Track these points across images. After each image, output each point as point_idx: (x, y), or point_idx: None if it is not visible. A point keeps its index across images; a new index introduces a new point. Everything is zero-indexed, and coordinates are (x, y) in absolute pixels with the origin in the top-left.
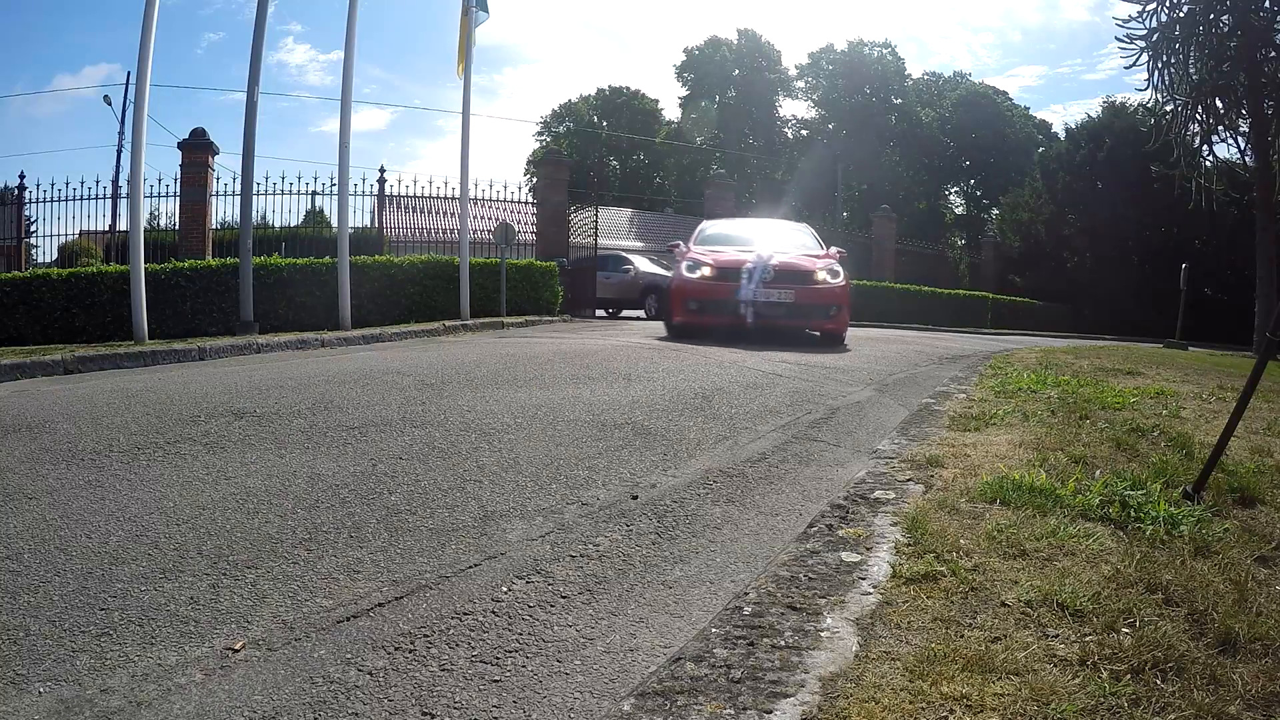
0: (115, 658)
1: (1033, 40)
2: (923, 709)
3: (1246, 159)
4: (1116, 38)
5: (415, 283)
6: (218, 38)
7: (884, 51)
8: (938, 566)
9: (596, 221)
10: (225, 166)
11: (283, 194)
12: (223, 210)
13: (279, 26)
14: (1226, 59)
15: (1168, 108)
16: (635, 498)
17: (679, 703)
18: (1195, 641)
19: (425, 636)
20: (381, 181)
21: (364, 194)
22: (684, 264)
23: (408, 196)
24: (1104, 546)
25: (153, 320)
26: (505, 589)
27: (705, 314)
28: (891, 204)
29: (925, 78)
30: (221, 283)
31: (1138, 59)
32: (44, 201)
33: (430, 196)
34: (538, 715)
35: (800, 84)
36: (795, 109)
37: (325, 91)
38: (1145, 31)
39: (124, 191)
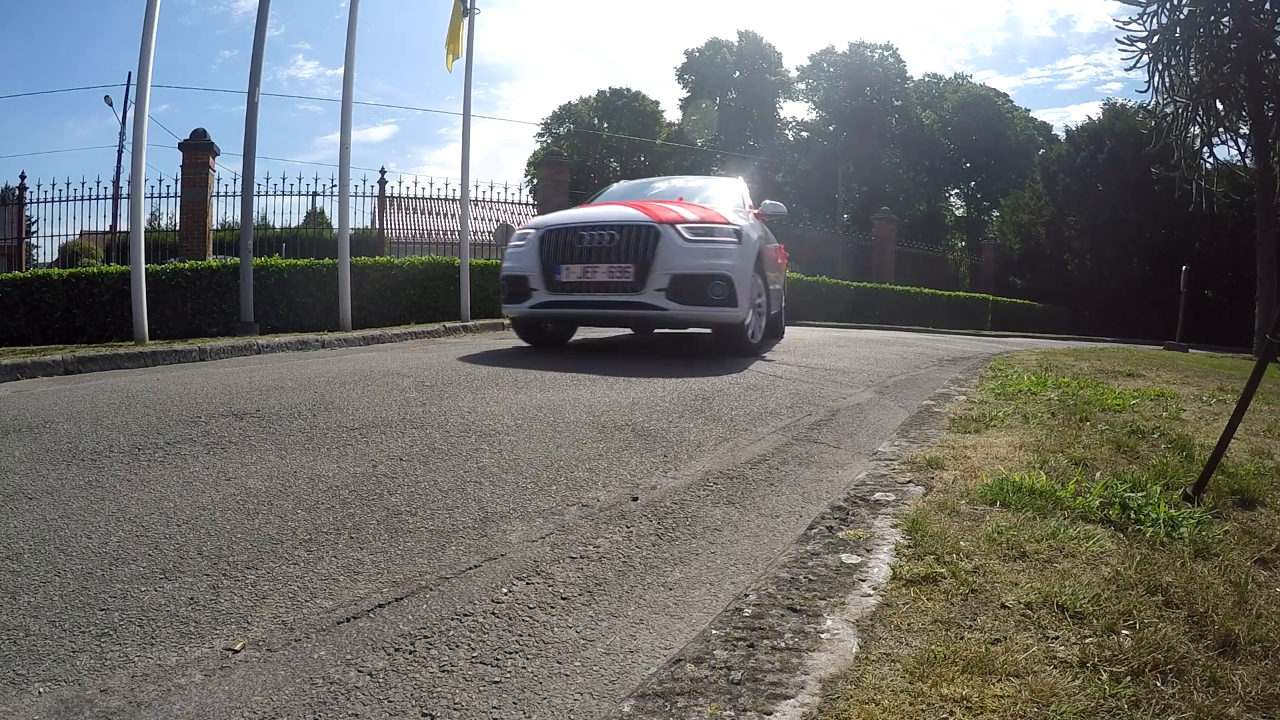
0: (115, 658)
1: (1032, 42)
2: (923, 710)
3: (1247, 161)
4: (1117, 40)
5: (415, 284)
6: (233, 54)
7: (885, 54)
8: (938, 568)
9: None
10: (226, 168)
11: (283, 195)
12: (223, 211)
13: (289, 45)
14: (1227, 61)
15: (1168, 110)
16: (635, 499)
17: (679, 704)
18: (1195, 643)
19: (425, 638)
20: (382, 183)
21: (364, 195)
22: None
23: (408, 198)
24: (1104, 548)
25: (153, 321)
26: (505, 590)
27: None
28: (892, 206)
29: (926, 79)
30: (222, 283)
31: (1138, 61)
32: (45, 202)
33: (430, 198)
34: (538, 716)
35: (801, 86)
36: (796, 111)
37: (332, 107)
38: (1146, 34)
39: (125, 192)
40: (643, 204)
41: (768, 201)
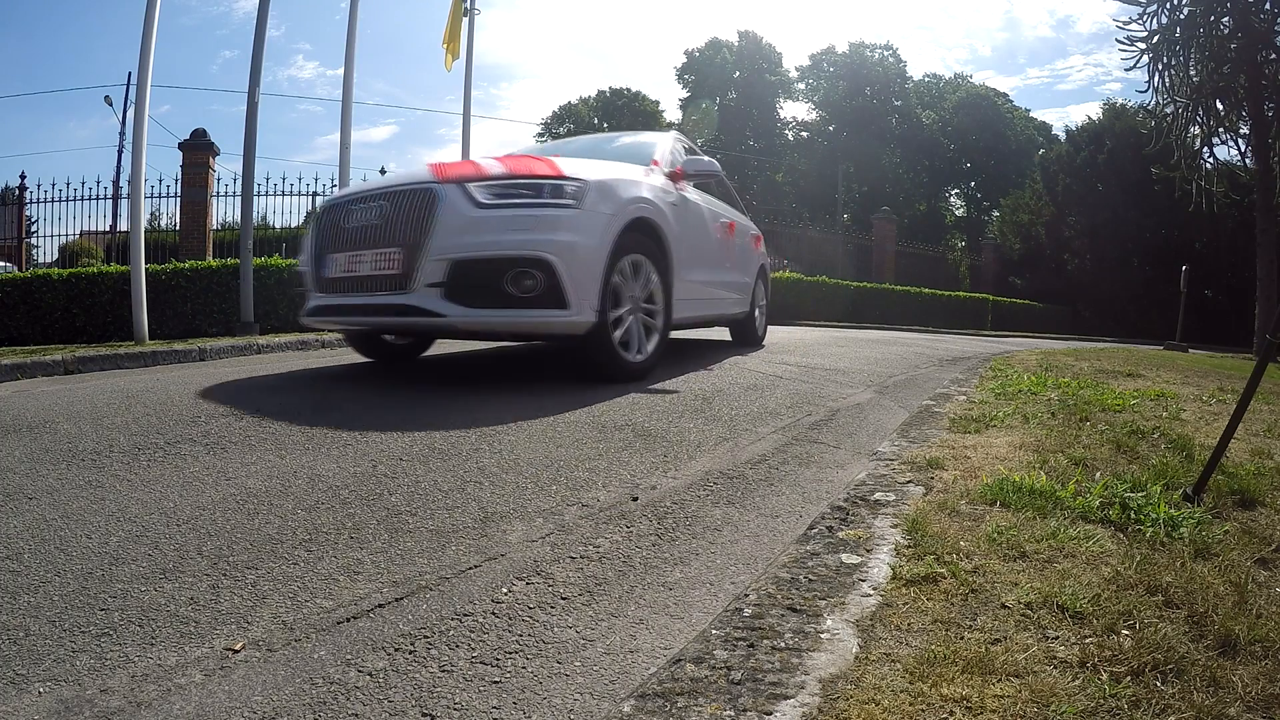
0: (115, 658)
1: (1032, 42)
2: (923, 710)
3: (1247, 161)
4: (1117, 40)
5: None
6: (233, 54)
7: (885, 54)
8: (938, 568)
9: None
10: (226, 169)
11: (283, 195)
12: (224, 211)
13: (289, 45)
14: (1227, 61)
15: (1168, 110)
16: (635, 499)
17: (679, 704)
18: (1195, 643)
19: (425, 638)
20: None
21: None
22: None
23: None
24: (1104, 548)
25: (153, 321)
26: (505, 590)
27: None
28: (892, 206)
29: (926, 79)
30: (222, 283)
31: (1138, 61)
32: (45, 202)
33: None
34: (538, 716)
35: (801, 86)
36: (796, 110)
37: (332, 107)
38: (1146, 34)
39: (125, 191)
40: (451, 164)
41: (694, 158)
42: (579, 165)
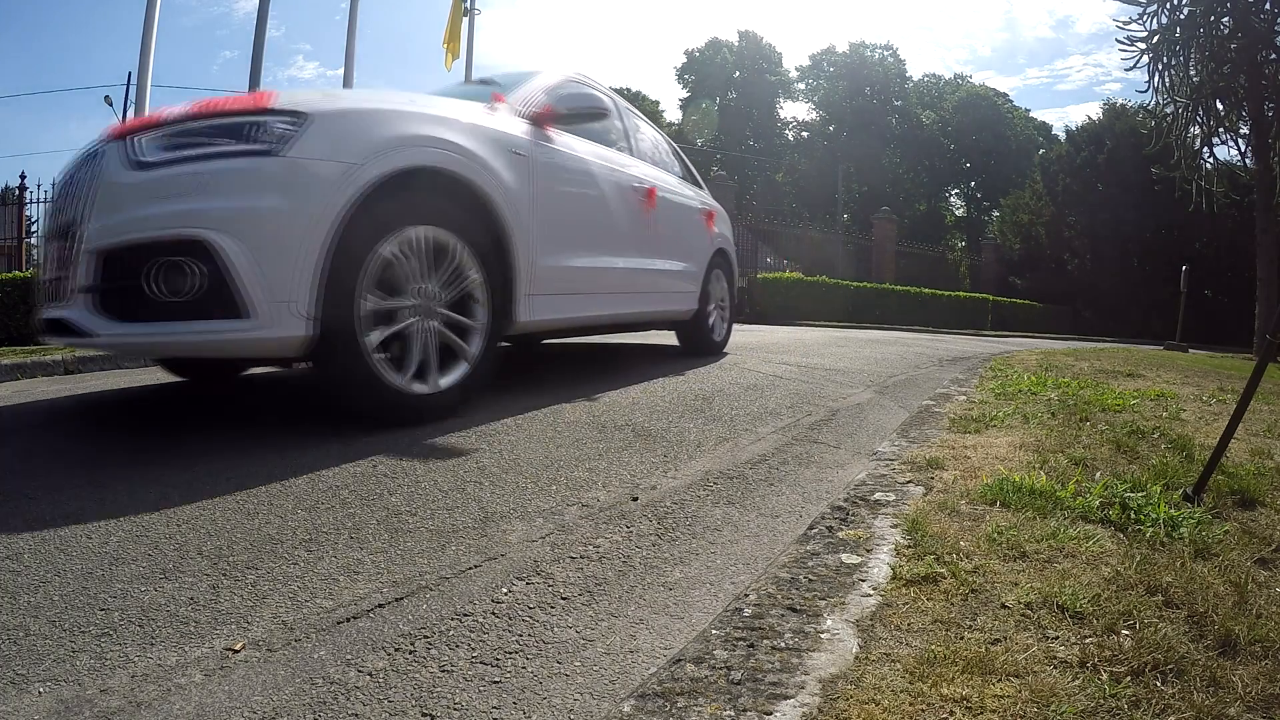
0: (115, 658)
1: (1031, 43)
2: (923, 710)
3: (1247, 161)
4: (1117, 40)
5: None
6: (233, 55)
7: (885, 54)
8: (938, 568)
9: None
10: None
11: None
12: None
13: (289, 45)
14: (1227, 61)
15: (1168, 110)
16: (635, 499)
17: (679, 704)
18: (1195, 643)
19: (425, 637)
20: None
21: None
22: None
23: None
24: (1104, 548)
25: None
26: (505, 590)
27: None
28: (892, 206)
29: (926, 80)
30: None
31: (1138, 61)
32: (45, 202)
33: None
34: (538, 716)
35: (801, 86)
36: (796, 110)
37: None
38: (1146, 34)
39: None
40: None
41: (574, 92)
42: (316, 96)
